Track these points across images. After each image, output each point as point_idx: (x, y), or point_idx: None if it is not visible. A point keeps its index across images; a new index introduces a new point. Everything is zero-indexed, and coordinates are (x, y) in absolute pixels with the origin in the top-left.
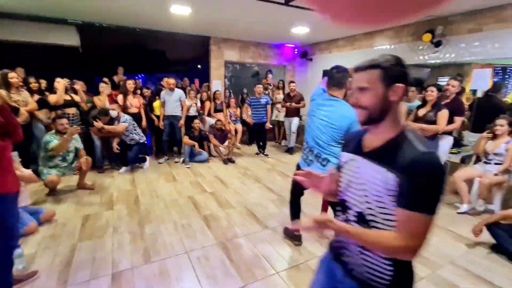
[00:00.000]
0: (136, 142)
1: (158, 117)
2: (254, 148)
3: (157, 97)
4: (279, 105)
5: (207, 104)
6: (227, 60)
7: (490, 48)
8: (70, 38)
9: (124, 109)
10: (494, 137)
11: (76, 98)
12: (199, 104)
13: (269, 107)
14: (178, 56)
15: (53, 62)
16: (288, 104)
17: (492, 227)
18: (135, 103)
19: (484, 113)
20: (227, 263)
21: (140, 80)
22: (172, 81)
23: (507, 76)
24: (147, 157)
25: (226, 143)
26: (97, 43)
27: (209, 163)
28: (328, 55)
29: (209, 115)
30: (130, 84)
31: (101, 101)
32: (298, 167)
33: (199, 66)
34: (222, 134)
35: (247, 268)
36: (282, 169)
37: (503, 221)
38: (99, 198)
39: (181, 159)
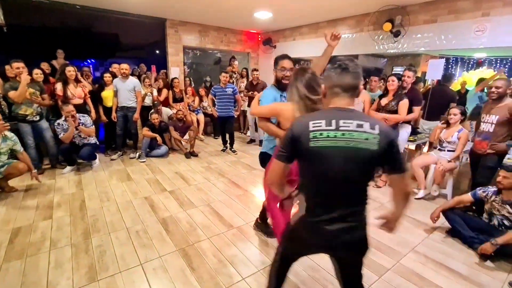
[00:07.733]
0: (87, 142)
1: (107, 108)
2: (219, 140)
3: (105, 86)
4: (242, 94)
5: (164, 92)
6: (186, 46)
7: (444, 39)
8: None
9: (65, 99)
10: (448, 125)
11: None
12: (155, 93)
13: (238, 97)
14: (133, 40)
15: None
16: (250, 93)
17: (447, 212)
18: (78, 92)
19: (437, 102)
20: (188, 273)
21: (91, 66)
22: (125, 66)
23: (450, 66)
24: (97, 154)
25: (187, 135)
26: (26, 22)
27: (168, 157)
28: (292, 42)
29: (167, 105)
30: (71, 71)
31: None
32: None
33: (157, 52)
34: (183, 126)
35: (210, 277)
36: (247, 161)
37: (457, 206)
38: (35, 206)
39: (137, 154)
